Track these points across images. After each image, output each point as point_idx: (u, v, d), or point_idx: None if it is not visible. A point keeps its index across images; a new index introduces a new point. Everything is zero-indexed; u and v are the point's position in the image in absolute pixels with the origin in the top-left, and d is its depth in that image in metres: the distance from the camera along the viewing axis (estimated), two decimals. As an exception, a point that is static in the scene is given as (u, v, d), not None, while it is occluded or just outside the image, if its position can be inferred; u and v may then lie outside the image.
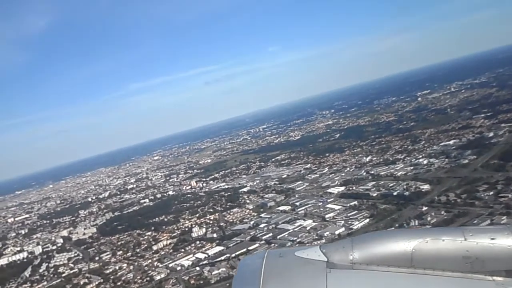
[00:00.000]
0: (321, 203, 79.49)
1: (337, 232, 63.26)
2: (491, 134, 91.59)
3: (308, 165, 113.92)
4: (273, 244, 64.54)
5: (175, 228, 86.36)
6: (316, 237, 63.58)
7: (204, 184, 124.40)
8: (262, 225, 75.63)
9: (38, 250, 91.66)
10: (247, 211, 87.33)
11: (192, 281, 60.46)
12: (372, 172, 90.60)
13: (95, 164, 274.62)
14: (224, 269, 60.74)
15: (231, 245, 69.88)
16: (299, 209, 79.31)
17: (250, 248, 64.75)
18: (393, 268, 4.22)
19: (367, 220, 66.64)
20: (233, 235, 74.61)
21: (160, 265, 69.15)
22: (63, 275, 74.91)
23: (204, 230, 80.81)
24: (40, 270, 79.52)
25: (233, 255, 64.17)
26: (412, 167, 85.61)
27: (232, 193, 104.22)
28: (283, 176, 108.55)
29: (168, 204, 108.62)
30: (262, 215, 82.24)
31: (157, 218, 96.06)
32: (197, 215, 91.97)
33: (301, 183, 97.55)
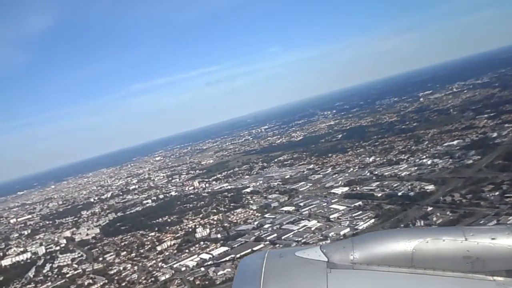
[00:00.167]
0: (325, 204, 79.33)
1: (342, 233, 63.08)
2: (495, 135, 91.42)
3: (311, 166, 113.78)
4: (278, 245, 64.46)
5: (179, 228, 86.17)
6: (321, 237, 63.41)
7: (207, 185, 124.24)
8: (266, 226, 75.50)
9: (41, 250, 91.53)
10: (251, 211, 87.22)
11: (198, 282, 60.36)
12: (376, 172, 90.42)
13: (96, 164, 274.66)
14: (229, 269, 60.52)
15: (236, 245, 69.75)
16: (303, 210, 79.17)
17: (255, 248, 64.39)
18: (394, 268, 4.24)
19: (372, 220, 66.54)
20: (238, 235, 74.47)
21: (165, 266, 69.03)
22: (67, 275, 74.76)
23: (208, 230, 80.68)
24: (44, 271, 79.41)
25: (238, 255, 63.80)
26: (416, 168, 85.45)
27: (235, 193, 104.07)
28: (286, 177, 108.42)
29: (171, 205, 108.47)
30: (266, 215, 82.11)
31: (160, 219, 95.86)
32: (201, 215, 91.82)
33: (304, 183, 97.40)
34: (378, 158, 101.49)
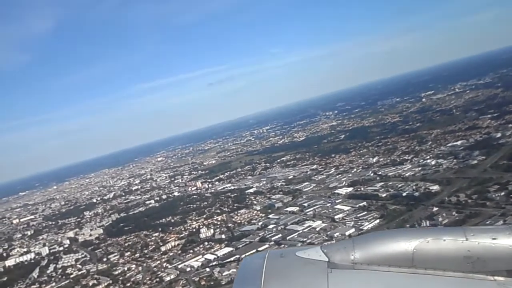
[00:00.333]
0: (329, 204, 79.16)
1: (347, 233, 62.82)
2: (499, 135, 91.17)
3: (314, 166, 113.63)
4: (283, 245, 64.29)
5: (183, 229, 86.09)
6: (327, 238, 63.22)
7: (210, 185, 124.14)
8: (270, 226, 75.36)
9: (45, 251, 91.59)
10: (255, 212, 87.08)
11: (203, 282, 60.27)
12: (380, 172, 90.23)
13: (98, 165, 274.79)
14: (234, 270, 60.13)
15: (240, 246, 69.64)
16: (307, 210, 79.00)
17: (259, 249, 64.12)
18: (394, 268, 4.25)
19: (377, 221, 66.34)
20: (242, 236, 74.35)
21: (169, 266, 68.95)
22: (71, 276, 74.79)
23: (212, 231, 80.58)
24: (48, 271, 79.40)
25: (243, 256, 63.80)
26: (420, 168, 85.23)
27: (239, 194, 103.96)
28: (289, 177, 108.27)
29: (174, 205, 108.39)
30: (270, 216, 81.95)
31: (163, 219, 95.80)
32: (204, 216, 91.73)
33: (308, 184, 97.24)
34: (382, 159, 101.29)
